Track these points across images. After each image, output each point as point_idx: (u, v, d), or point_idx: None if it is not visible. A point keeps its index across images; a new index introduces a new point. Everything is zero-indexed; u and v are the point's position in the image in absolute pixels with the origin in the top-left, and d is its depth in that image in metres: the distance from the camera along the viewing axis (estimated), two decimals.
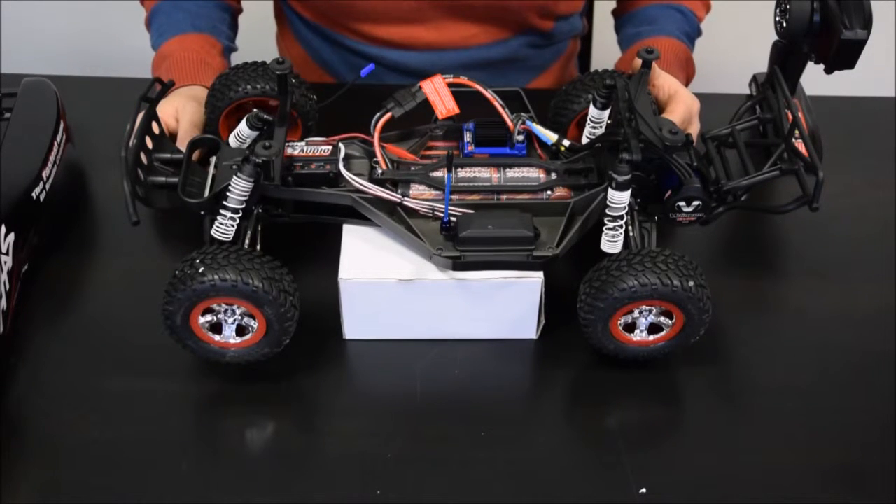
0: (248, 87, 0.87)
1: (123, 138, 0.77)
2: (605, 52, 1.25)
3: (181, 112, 0.90)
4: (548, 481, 0.73)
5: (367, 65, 0.84)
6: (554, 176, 0.82)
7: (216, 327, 0.77)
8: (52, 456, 0.74)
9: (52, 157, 0.89)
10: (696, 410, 0.78)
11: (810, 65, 0.92)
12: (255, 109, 0.81)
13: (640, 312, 0.77)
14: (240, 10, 1.12)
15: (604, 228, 0.77)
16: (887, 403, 0.78)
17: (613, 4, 1.14)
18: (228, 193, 0.76)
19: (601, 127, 0.84)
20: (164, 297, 0.74)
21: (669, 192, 0.79)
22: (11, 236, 0.81)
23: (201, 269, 0.73)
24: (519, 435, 0.76)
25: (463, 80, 0.82)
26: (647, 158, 0.77)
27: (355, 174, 0.80)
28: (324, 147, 0.82)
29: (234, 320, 0.76)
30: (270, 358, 0.78)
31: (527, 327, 0.81)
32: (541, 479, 0.73)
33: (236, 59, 0.99)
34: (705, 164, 0.82)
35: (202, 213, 0.80)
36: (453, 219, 0.78)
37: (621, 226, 0.77)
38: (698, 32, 1.09)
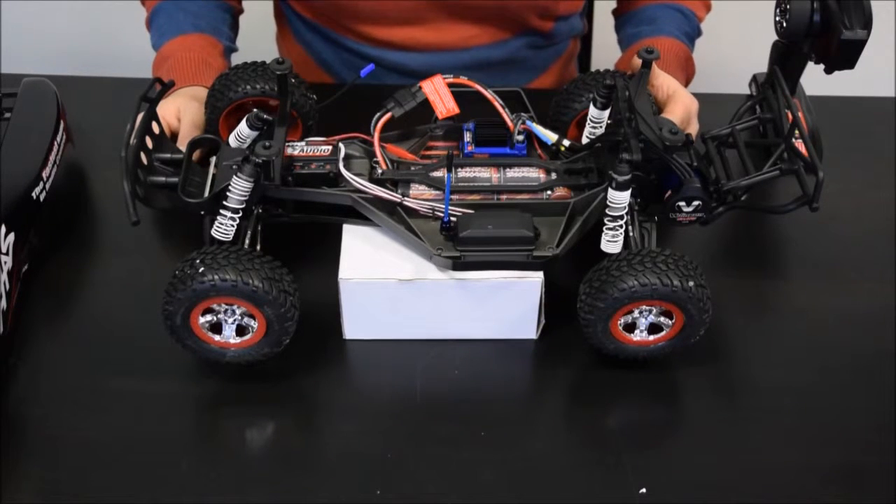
0: (248, 87, 0.87)
1: (123, 138, 0.77)
2: (605, 52, 1.24)
3: (183, 112, 0.90)
4: (548, 481, 0.73)
5: (366, 65, 0.84)
6: (554, 176, 0.82)
7: (216, 327, 0.77)
8: (52, 456, 0.74)
9: (52, 157, 0.89)
10: (696, 410, 0.78)
11: (810, 65, 0.92)
12: (255, 109, 0.81)
13: (640, 312, 0.77)
14: (240, 11, 1.12)
15: (604, 228, 0.77)
16: (887, 403, 0.78)
17: (613, 4, 1.14)
18: (228, 193, 0.76)
19: (601, 127, 0.84)
20: (164, 297, 0.74)
21: (669, 192, 0.79)
22: (11, 236, 0.81)
23: (201, 269, 0.72)
24: (519, 435, 0.76)
25: (463, 80, 0.82)
26: (647, 158, 0.77)
27: (355, 174, 0.80)
28: (324, 147, 0.82)
29: (234, 320, 0.76)
30: (270, 358, 0.78)
31: (527, 327, 0.81)
32: (541, 480, 0.73)
33: (236, 59, 0.98)
34: (705, 164, 0.82)
35: (202, 213, 0.80)
36: (453, 219, 0.78)
37: (621, 226, 0.77)
38: (698, 32, 1.09)
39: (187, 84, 0.96)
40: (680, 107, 0.87)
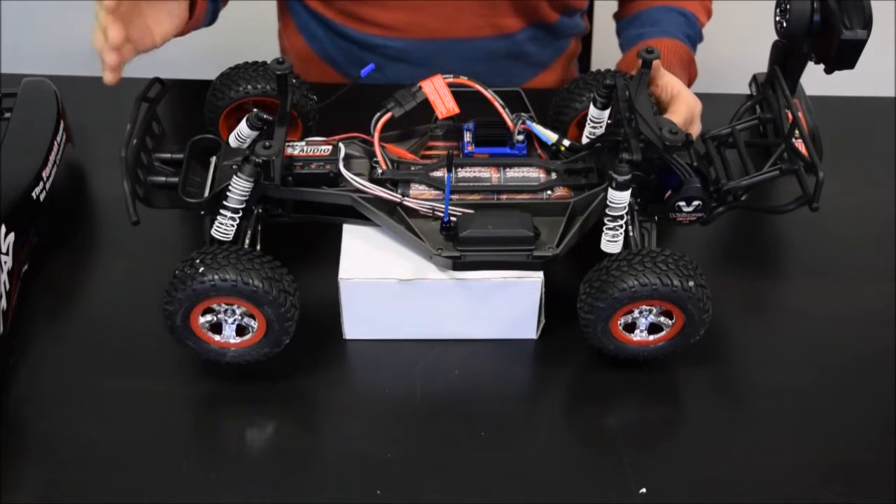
0: (249, 87, 0.87)
1: (123, 138, 0.77)
2: (605, 55, 1.25)
3: None
4: (548, 481, 0.73)
5: (368, 58, 0.84)
6: (554, 176, 0.82)
7: (216, 327, 0.77)
8: (52, 456, 0.74)
9: (52, 157, 0.89)
10: (696, 410, 0.78)
11: (810, 65, 0.92)
12: (255, 109, 0.81)
13: (640, 312, 0.77)
14: None
15: (604, 228, 0.77)
16: (887, 403, 0.78)
17: (614, 6, 1.14)
18: (228, 193, 0.76)
19: (601, 127, 0.84)
20: (164, 297, 0.74)
21: (669, 192, 0.79)
22: (11, 236, 0.81)
23: (201, 269, 0.72)
24: (519, 435, 0.76)
25: (463, 80, 0.82)
26: (647, 158, 0.77)
27: (355, 174, 0.80)
28: (324, 147, 0.82)
29: (234, 320, 0.76)
30: (270, 358, 0.78)
31: (527, 327, 0.81)
32: (541, 479, 0.73)
33: (237, 57, 0.98)
34: (705, 164, 0.82)
35: (202, 213, 0.80)
36: (453, 219, 0.78)
37: (621, 226, 0.77)
38: (700, 37, 1.08)
39: None
40: (683, 107, 0.87)
